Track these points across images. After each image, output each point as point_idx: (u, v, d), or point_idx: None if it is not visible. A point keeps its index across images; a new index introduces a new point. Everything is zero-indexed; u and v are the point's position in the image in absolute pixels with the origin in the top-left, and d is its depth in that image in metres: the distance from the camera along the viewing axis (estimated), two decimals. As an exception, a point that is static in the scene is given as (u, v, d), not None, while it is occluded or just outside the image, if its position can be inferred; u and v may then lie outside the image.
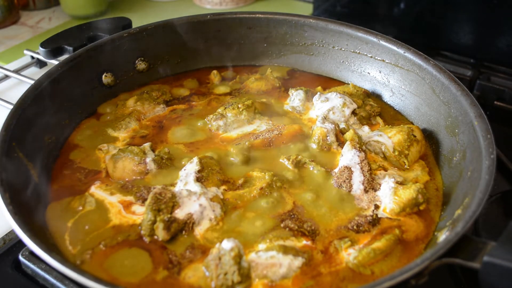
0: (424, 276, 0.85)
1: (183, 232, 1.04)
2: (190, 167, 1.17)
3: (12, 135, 1.12)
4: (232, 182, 1.17)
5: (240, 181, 1.17)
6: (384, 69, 1.48)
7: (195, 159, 1.18)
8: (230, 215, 1.09)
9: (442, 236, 1.01)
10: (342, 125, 1.33)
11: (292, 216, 1.09)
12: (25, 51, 1.89)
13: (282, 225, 1.07)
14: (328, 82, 1.57)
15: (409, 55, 1.40)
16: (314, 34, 1.58)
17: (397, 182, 1.14)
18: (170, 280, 0.96)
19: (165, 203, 1.04)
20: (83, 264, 0.99)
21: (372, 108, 1.40)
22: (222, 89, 1.54)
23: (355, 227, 1.07)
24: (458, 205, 1.06)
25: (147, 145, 1.24)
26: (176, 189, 1.12)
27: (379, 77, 1.50)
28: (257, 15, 1.60)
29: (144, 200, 1.11)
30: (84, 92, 1.41)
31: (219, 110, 1.37)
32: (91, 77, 1.43)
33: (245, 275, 0.94)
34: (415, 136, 1.26)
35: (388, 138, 1.24)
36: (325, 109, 1.36)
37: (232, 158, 1.24)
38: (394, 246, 1.02)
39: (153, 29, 1.52)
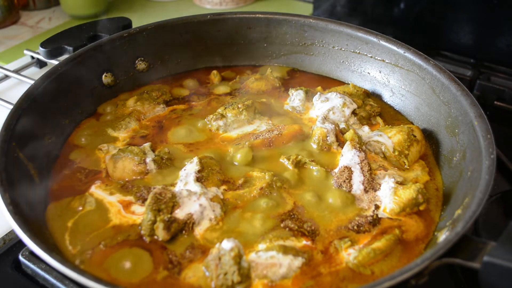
0: (424, 276, 0.85)
1: (183, 232, 1.04)
2: (190, 167, 1.17)
3: (12, 135, 1.12)
4: (232, 182, 1.17)
5: (240, 181, 1.17)
6: (384, 69, 1.48)
7: (195, 159, 1.18)
8: (230, 215, 1.09)
9: (442, 236, 1.01)
10: (342, 125, 1.33)
11: (292, 216, 1.09)
12: (25, 51, 1.89)
13: (282, 225, 1.07)
14: (328, 82, 1.57)
15: (409, 55, 1.40)
16: (314, 34, 1.58)
17: (397, 182, 1.14)
18: (170, 280, 0.96)
19: (165, 203, 1.04)
20: (83, 264, 0.99)
21: (372, 108, 1.40)
22: (222, 89, 1.54)
23: (355, 227, 1.07)
24: (458, 205, 1.06)
25: (147, 145, 1.24)
26: (176, 189, 1.12)
27: (379, 77, 1.50)
28: (257, 15, 1.60)
29: (144, 200, 1.11)
30: (84, 92, 1.41)
31: (219, 110, 1.37)
32: (91, 77, 1.43)
33: (245, 275, 0.94)
34: (415, 136, 1.26)
35: (388, 138, 1.24)
36: (325, 109, 1.36)
37: (230, 159, 1.24)
38: (394, 246, 1.02)
39: (153, 29, 1.52)
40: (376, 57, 1.49)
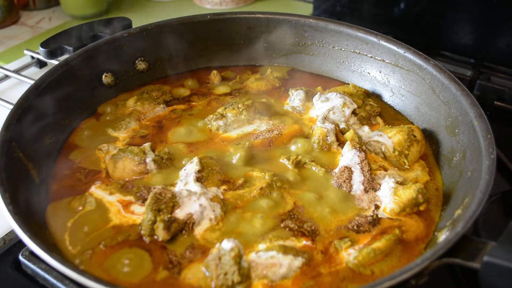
0: (424, 276, 0.85)
1: (183, 232, 1.04)
2: (190, 167, 1.17)
3: (12, 135, 1.12)
4: (232, 182, 1.17)
5: (240, 181, 1.17)
6: (384, 69, 1.48)
7: (195, 159, 1.18)
8: (230, 215, 1.09)
9: (442, 236, 1.01)
10: (342, 125, 1.33)
11: (292, 216, 1.09)
12: (25, 51, 1.89)
13: (282, 225, 1.07)
14: (328, 82, 1.57)
15: (409, 55, 1.40)
16: (314, 34, 1.58)
17: (397, 182, 1.14)
18: (170, 280, 0.96)
19: (165, 203, 1.04)
20: (83, 264, 0.99)
21: (372, 108, 1.40)
22: (222, 89, 1.54)
23: (355, 227, 1.07)
24: (458, 205, 1.06)
25: (147, 145, 1.24)
26: (176, 189, 1.12)
27: (379, 77, 1.50)
28: (257, 15, 1.60)
29: (144, 200, 1.11)
30: (84, 92, 1.41)
31: (219, 110, 1.37)
32: (91, 77, 1.43)
33: (245, 275, 0.94)
34: (415, 136, 1.26)
35: (388, 138, 1.24)
36: (325, 109, 1.36)
37: (233, 158, 1.24)
38: (394, 246, 1.02)
39: (153, 29, 1.52)
40: (376, 57, 1.49)
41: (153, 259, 1.00)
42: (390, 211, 1.10)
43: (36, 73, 1.85)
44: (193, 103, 1.47)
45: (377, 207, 1.12)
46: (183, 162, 1.22)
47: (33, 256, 1.02)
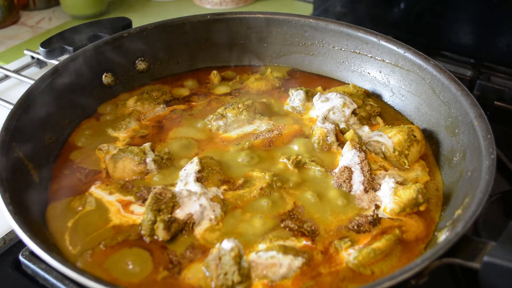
0: (424, 276, 0.85)
1: (183, 232, 1.04)
2: (190, 167, 1.17)
3: (12, 135, 1.12)
4: (232, 182, 1.17)
5: (240, 181, 1.17)
6: (384, 69, 1.48)
7: (195, 159, 1.18)
8: (230, 215, 1.09)
9: (442, 236, 1.01)
10: (342, 125, 1.33)
11: (292, 216, 1.09)
12: (25, 51, 1.89)
13: (282, 225, 1.07)
14: (328, 82, 1.57)
15: (409, 55, 1.40)
16: (314, 34, 1.58)
17: (397, 182, 1.14)
18: (171, 280, 0.96)
19: (165, 203, 1.04)
20: (83, 264, 0.99)
21: (372, 108, 1.40)
22: (222, 89, 1.54)
23: (355, 227, 1.07)
24: (458, 205, 1.06)
25: (147, 145, 1.24)
26: (176, 189, 1.12)
27: (379, 77, 1.50)
28: (257, 15, 1.60)
29: (144, 200, 1.11)
30: (84, 92, 1.41)
31: (219, 110, 1.37)
32: (91, 77, 1.43)
33: (245, 275, 0.94)
34: (415, 136, 1.26)
35: (388, 138, 1.24)
36: (325, 109, 1.36)
37: (230, 159, 1.24)
38: (394, 246, 1.02)
39: (153, 29, 1.52)
40: (376, 57, 1.49)
41: (154, 259, 1.00)
42: (390, 211, 1.10)
43: (36, 73, 1.85)
44: (193, 103, 1.47)
45: (377, 207, 1.12)
46: (183, 163, 1.22)
47: (33, 256, 1.02)
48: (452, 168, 1.20)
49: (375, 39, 1.47)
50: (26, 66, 1.85)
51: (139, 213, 1.09)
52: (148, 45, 1.53)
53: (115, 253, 1.01)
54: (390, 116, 1.43)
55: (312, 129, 1.30)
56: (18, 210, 0.96)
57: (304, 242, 1.03)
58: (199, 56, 1.62)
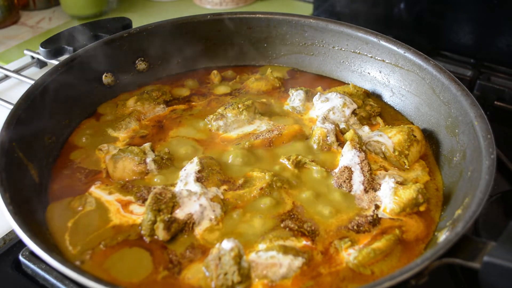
0: (424, 276, 0.85)
1: (183, 232, 1.04)
2: (190, 167, 1.17)
3: (12, 135, 1.12)
4: (232, 182, 1.17)
5: (240, 181, 1.17)
6: (384, 69, 1.48)
7: (195, 159, 1.18)
8: (230, 215, 1.09)
9: (442, 236, 1.01)
10: (342, 125, 1.33)
11: (292, 216, 1.09)
12: (25, 51, 1.89)
13: (282, 225, 1.07)
14: (328, 82, 1.57)
15: (409, 55, 1.40)
16: (314, 34, 1.58)
17: (397, 182, 1.14)
18: (171, 280, 0.96)
19: (165, 203, 1.04)
20: (83, 264, 0.99)
21: (372, 108, 1.40)
22: (222, 89, 1.54)
23: (355, 227, 1.07)
24: (458, 205, 1.06)
25: (147, 145, 1.24)
26: (176, 189, 1.12)
27: (379, 77, 1.50)
28: (257, 15, 1.60)
29: (144, 200, 1.11)
30: (84, 92, 1.41)
31: (219, 110, 1.37)
32: (91, 77, 1.43)
33: (245, 275, 0.94)
34: (415, 136, 1.26)
35: (388, 138, 1.24)
36: (325, 109, 1.36)
37: (230, 159, 1.24)
38: (394, 246, 1.02)
39: (153, 29, 1.52)
40: (376, 57, 1.49)
41: (153, 259, 1.00)
42: (390, 211, 1.10)
43: (36, 73, 1.85)
44: (193, 103, 1.47)
45: (377, 207, 1.12)
46: (183, 163, 1.22)
47: (33, 256, 1.02)
48: (452, 168, 1.20)
49: (375, 39, 1.47)
50: (26, 66, 1.85)
51: (139, 213, 1.09)
52: (148, 45, 1.53)
53: (115, 253, 1.01)
54: (390, 116, 1.43)
55: (312, 129, 1.30)
56: (18, 210, 0.96)
57: (304, 242, 1.03)
58: (199, 56, 1.62)
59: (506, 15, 1.77)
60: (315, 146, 1.27)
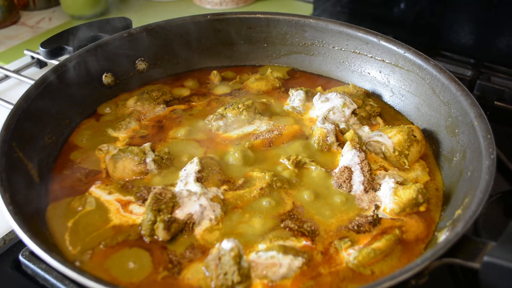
0: (424, 276, 0.85)
1: (183, 232, 1.04)
2: (190, 167, 1.17)
3: (12, 135, 1.12)
4: (232, 182, 1.17)
5: (240, 181, 1.17)
6: (384, 69, 1.48)
7: (195, 159, 1.18)
8: (230, 215, 1.09)
9: (442, 236, 1.01)
10: (342, 125, 1.33)
11: (292, 216, 1.09)
12: (25, 51, 1.89)
13: (282, 225, 1.07)
14: (328, 82, 1.57)
15: (409, 55, 1.40)
16: (314, 34, 1.58)
17: (397, 182, 1.14)
18: (170, 280, 0.96)
19: (165, 203, 1.04)
20: (83, 264, 0.99)
21: (372, 108, 1.40)
22: (222, 89, 1.54)
23: (355, 227, 1.07)
24: (458, 205, 1.06)
25: (147, 145, 1.24)
26: (176, 189, 1.12)
27: (379, 77, 1.50)
28: (257, 15, 1.60)
29: (144, 200, 1.11)
30: (84, 92, 1.41)
31: (219, 110, 1.37)
32: (91, 77, 1.43)
33: (245, 275, 0.94)
34: (415, 136, 1.26)
35: (388, 138, 1.24)
36: (325, 109, 1.36)
37: (230, 159, 1.24)
38: (394, 246, 1.02)
39: (153, 29, 1.52)
40: (376, 57, 1.49)
41: (153, 259, 1.00)
42: (390, 211, 1.10)
43: (36, 73, 1.85)
44: (193, 103, 1.47)
45: (377, 207, 1.12)
46: (183, 163, 1.22)
47: (33, 256, 1.02)
48: (452, 168, 1.20)
49: (375, 39, 1.47)
50: (26, 66, 1.85)
51: (138, 213, 1.09)
52: (148, 45, 1.53)
53: (115, 253, 1.01)
54: (390, 116, 1.43)
55: (312, 129, 1.30)
56: (18, 210, 0.96)
57: (304, 242, 1.03)
58: (199, 56, 1.62)
59: (506, 15, 1.77)
60: (315, 146, 1.27)
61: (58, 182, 1.19)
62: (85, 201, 1.12)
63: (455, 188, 1.14)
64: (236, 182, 1.17)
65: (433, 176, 1.23)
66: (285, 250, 0.98)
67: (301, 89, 1.45)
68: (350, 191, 1.15)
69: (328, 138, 1.27)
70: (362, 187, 1.15)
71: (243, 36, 1.62)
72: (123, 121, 1.36)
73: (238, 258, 0.93)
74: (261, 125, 1.35)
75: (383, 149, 1.25)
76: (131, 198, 1.13)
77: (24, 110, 1.19)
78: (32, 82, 1.28)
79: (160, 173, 1.19)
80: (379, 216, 1.10)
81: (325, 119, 1.33)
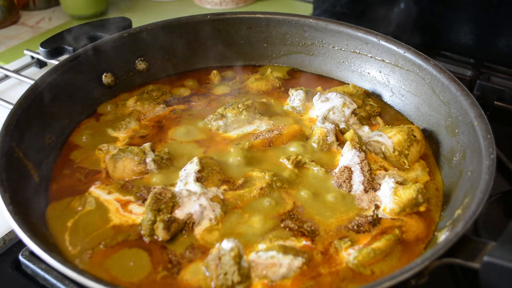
0: (424, 276, 0.85)
1: (183, 232, 1.04)
2: (190, 167, 1.17)
3: (12, 135, 1.12)
4: (232, 182, 1.17)
5: (240, 181, 1.17)
6: (384, 69, 1.48)
7: (195, 159, 1.18)
8: (230, 215, 1.09)
9: (442, 236, 1.01)
10: (342, 125, 1.33)
11: (292, 216, 1.09)
12: (25, 51, 1.89)
13: (282, 225, 1.07)
14: (328, 82, 1.57)
15: (409, 55, 1.40)
16: (314, 34, 1.58)
17: (397, 182, 1.14)
18: (170, 280, 0.96)
19: (165, 203, 1.04)
20: (83, 264, 0.99)
21: (372, 108, 1.40)
22: (222, 89, 1.54)
23: (355, 227, 1.07)
24: (458, 205, 1.06)
25: (147, 145, 1.24)
26: (176, 189, 1.12)
27: (379, 77, 1.50)
28: (257, 15, 1.60)
29: (144, 200, 1.11)
30: (84, 92, 1.41)
31: (219, 110, 1.37)
32: (91, 77, 1.43)
33: (245, 275, 0.94)
34: (415, 136, 1.26)
35: (388, 138, 1.24)
36: (325, 109, 1.36)
37: (230, 159, 1.24)
38: (394, 246, 1.02)
39: (153, 29, 1.52)
40: (376, 57, 1.49)
41: (153, 259, 1.00)
42: (390, 211, 1.10)
43: (36, 73, 1.85)
44: (193, 103, 1.47)
45: (377, 207, 1.12)
46: (183, 163, 1.22)
47: (33, 256, 1.02)
48: (452, 168, 1.20)
49: (375, 39, 1.47)
50: (26, 66, 1.85)
51: (138, 213, 1.09)
52: (148, 45, 1.53)
53: (115, 253, 1.01)
54: (390, 116, 1.43)
55: (312, 129, 1.30)
56: (18, 210, 0.96)
57: (304, 242, 1.03)
58: (199, 56, 1.62)
59: (506, 15, 1.77)
60: (315, 146, 1.27)
61: (58, 182, 1.19)
62: (85, 201, 1.12)
63: (455, 188, 1.14)
64: (236, 182, 1.17)
65: (433, 176, 1.23)
66: (285, 250, 0.98)
67: (301, 89, 1.45)
68: (350, 191, 1.15)
69: (328, 138, 1.27)
70: (362, 187, 1.15)
71: (243, 36, 1.62)
72: (123, 121, 1.36)
73: (238, 258, 0.93)
74: (261, 125, 1.35)
75: (383, 149, 1.25)
76: (131, 198, 1.13)
77: (24, 110, 1.19)
78: (32, 82, 1.28)
79: (160, 173, 1.19)
80: (379, 216, 1.10)
81: (325, 119, 1.33)
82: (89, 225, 1.07)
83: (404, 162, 1.23)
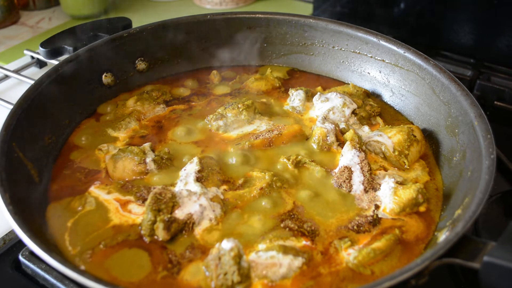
0: (424, 276, 0.85)
1: (183, 232, 1.04)
2: (190, 167, 1.17)
3: (12, 135, 1.12)
4: (232, 182, 1.17)
5: (240, 181, 1.17)
6: (384, 69, 1.48)
7: (195, 159, 1.18)
8: (230, 215, 1.09)
9: (442, 236, 1.01)
10: (342, 125, 1.33)
11: (292, 216, 1.09)
12: (25, 51, 1.89)
13: (282, 225, 1.07)
14: (328, 82, 1.57)
15: (409, 55, 1.40)
16: (314, 34, 1.58)
17: (397, 182, 1.14)
18: (170, 280, 0.96)
19: (165, 203, 1.04)
20: (83, 264, 0.99)
21: (372, 108, 1.40)
22: (222, 89, 1.54)
23: (355, 227, 1.07)
24: (458, 205, 1.06)
25: (147, 145, 1.24)
26: (176, 189, 1.12)
27: (379, 77, 1.50)
28: (257, 15, 1.60)
29: (144, 200, 1.11)
30: (84, 92, 1.41)
31: (219, 110, 1.37)
32: (91, 77, 1.43)
33: (245, 275, 0.94)
34: (415, 136, 1.26)
35: (388, 138, 1.24)
36: (325, 109, 1.36)
37: (230, 159, 1.24)
38: (394, 246, 1.02)
39: (153, 29, 1.52)
40: (376, 57, 1.49)
41: (153, 259, 1.00)
42: (390, 211, 1.10)
43: (36, 73, 1.85)
44: (193, 103, 1.47)
45: (377, 207, 1.12)
46: (183, 163, 1.22)
47: (33, 256, 1.02)
48: (452, 168, 1.20)
49: (375, 39, 1.47)
50: (26, 66, 1.85)
51: (138, 213, 1.09)
52: (148, 45, 1.53)
53: (115, 253, 1.01)
54: (390, 116, 1.44)
55: (312, 129, 1.30)
56: (18, 210, 0.96)
57: (304, 242, 1.03)
58: (199, 56, 1.62)
59: (506, 15, 1.77)
60: (315, 146, 1.27)
61: (58, 182, 1.19)
62: (85, 201, 1.12)
63: (455, 188, 1.14)
64: (236, 182, 1.17)
65: (433, 176, 1.23)
66: (285, 250, 0.98)
67: (301, 89, 1.45)
68: (350, 191, 1.15)
69: (328, 138, 1.27)
70: (362, 187, 1.15)
71: (243, 36, 1.62)
72: (123, 121, 1.36)
73: (238, 258, 0.93)
74: (261, 125, 1.35)
75: (383, 149, 1.25)
76: (130, 198, 1.13)
77: (24, 110, 1.19)
78: (32, 82, 1.28)
79: (160, 173, 1.19)
80: (379, 216, 1.10)
81: (325, 119, 1.33)
82: (89, 225, 1.07)
83: (404, 162, 1.23)
